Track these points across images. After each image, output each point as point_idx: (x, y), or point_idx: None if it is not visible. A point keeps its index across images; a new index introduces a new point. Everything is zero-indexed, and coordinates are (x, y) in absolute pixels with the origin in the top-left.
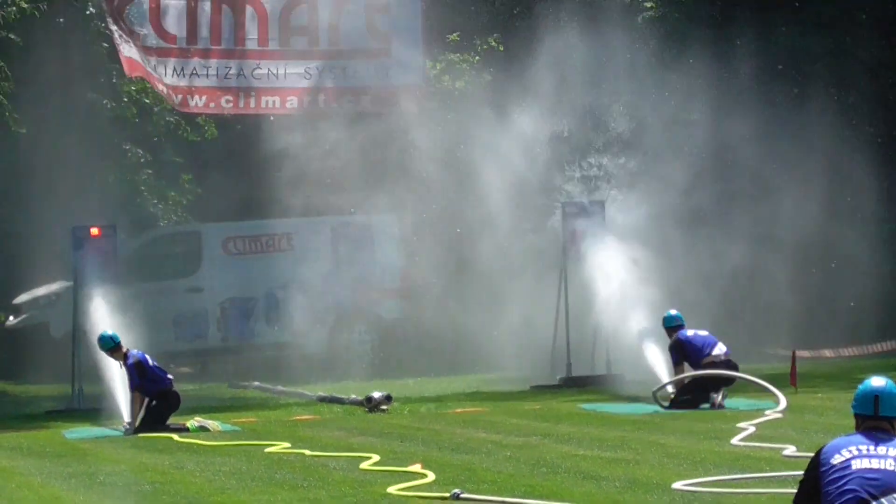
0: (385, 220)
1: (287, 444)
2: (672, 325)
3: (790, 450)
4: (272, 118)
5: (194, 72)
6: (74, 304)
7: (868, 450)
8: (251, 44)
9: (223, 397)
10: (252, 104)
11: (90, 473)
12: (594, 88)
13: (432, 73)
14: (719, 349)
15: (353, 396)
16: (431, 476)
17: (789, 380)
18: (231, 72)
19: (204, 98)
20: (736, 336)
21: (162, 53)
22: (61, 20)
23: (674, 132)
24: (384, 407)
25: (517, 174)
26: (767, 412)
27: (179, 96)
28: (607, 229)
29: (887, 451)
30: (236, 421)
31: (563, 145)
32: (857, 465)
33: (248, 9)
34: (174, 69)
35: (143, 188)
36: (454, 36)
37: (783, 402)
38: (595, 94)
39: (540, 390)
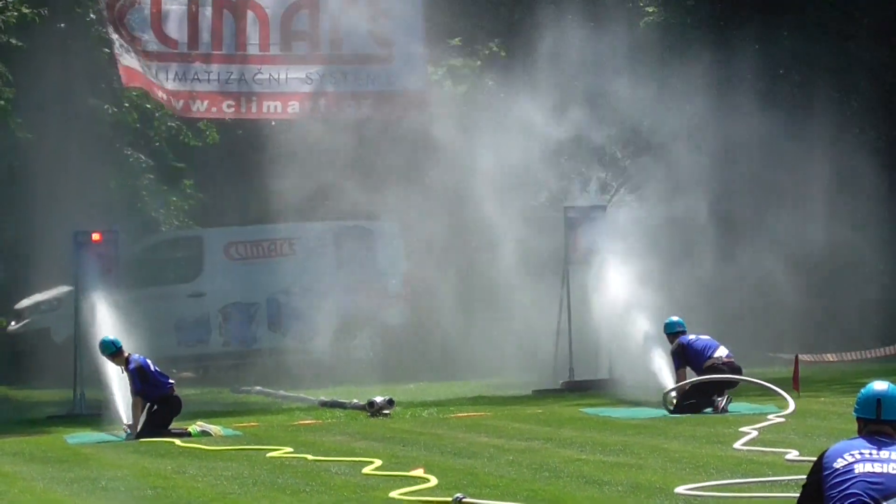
0: (387, 225)
1: (289, 449)
2: (673, 332)
3: (793, 454)
4: (273, 123)
5: (196, 77)
6: (76, 309)
7: (871, 454)
8: (252, 49)
9: (225, 402)
10: (254, 109)
11: (92, 478)
12: (595, 93)
13: (434, 78)
14: (721, 352)
15: (356, 401)
16: (434, 481)
17: (792, 384)
18: (233, 77)
19: (206, 103)
20: (739, 340)
21: (163, 58)
22: (62, 25)
23: (676, 137)
24: (386, 411)
25: (520, 178)
26: (771, 416)
27: (181, 101)
28: (609, 233)
29: (890, 454)
30: (238, 426)
31: (566, 149)
32: (859, 468)
33: (250, 14)
34: (176, 74)
35: (144, 193)
36: (456, 41)
37: (792, 405)
38: (596, 99)
39: (542, 395)
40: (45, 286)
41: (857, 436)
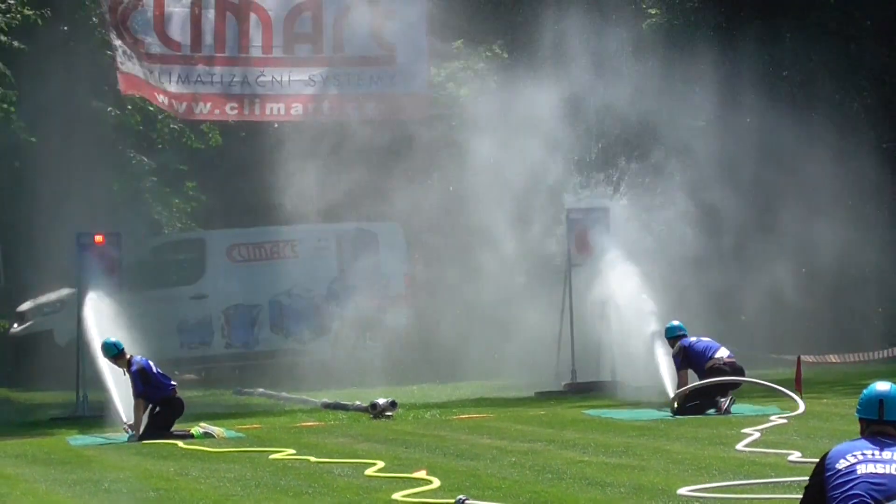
0: (390, 226)
1: (292, 451)
2: (674, 335)
3: (795, 455)
4: (276, 125)
5: (199, 79)
6: (78, 311)
7: (873, 454)
8: (255, 51)
9: (228, 404)
10: (257, 111)
11: (95, 480)
12: (598, 94)
13: (436, 80)
14: (722, 353)
15: (358, 403)
16: (436, 482)
17: (794, 385)
18: (235, 79)
19: (209, 105)
20: (741, 341)
21: (166, 61)
22: (65, 28)
23: (679, 139)
24: (389, 413)
25: (522, 180)
26: (773, 417)
27: (184, 104)
28: (612, 235)
29: (892, 455)
30: (241, 427)
31: (568, 150)
32: (862, 469)
33: (253, 16)
34: (179, 76)
35: (147, 195)
36: (458, 43)
37: (802, 406)
38: (598, 100)
39: (545, 396)
40: (48, 288)
41: (859, 437)
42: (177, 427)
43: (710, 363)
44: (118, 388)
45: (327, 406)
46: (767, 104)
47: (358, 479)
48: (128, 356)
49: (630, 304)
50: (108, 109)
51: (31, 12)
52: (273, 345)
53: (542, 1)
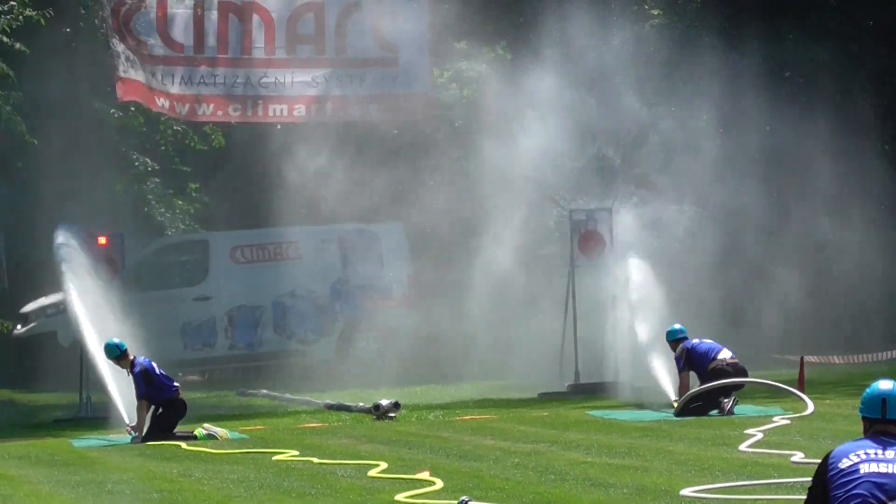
0: (392, 228)
1: (295, 452)
2: (675, 339)
3: (798, 456)
4: (279, 126)
5: (202, 80)
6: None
7: (876, 454)
8: (258, 52)
9: (231, 405)
10: (259, 113)
11: (98, 482)
12: (601, 95)
13: (439, 81)
14: (725, 354)
15: (361, 404)
16: (440, 483)
17: (798, 386)
18: (238, 80)
19: (211, 106)
20: (744, 342)
21: (169, 62)
22: (68, 30)
23: (681, 139)
24: (392, 414)
25: (525, 181)
26: (776, 418)
27: (187, 105)
28: (615, 235)
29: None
30: (244, 429)
31: (570, 151)
32: (865, 469)
33: (255, 17)
34: (181, 78)
35: (150, 197)
36: (461, 44)
37: (811, 407)
38: (601, 101)
39: (548, 397)
40: (52, 290)
41: (863, 436)
42: (180, 428)
43: (713, 364)
44: (120, 389)
45: (330, 407)
46: (769, 105)
47: (361, 480)
48: (131, 357)
49: (633, 305)
50: (111, 111)
51: (32, 13)
52: (276, 346)
53: (545, 2)
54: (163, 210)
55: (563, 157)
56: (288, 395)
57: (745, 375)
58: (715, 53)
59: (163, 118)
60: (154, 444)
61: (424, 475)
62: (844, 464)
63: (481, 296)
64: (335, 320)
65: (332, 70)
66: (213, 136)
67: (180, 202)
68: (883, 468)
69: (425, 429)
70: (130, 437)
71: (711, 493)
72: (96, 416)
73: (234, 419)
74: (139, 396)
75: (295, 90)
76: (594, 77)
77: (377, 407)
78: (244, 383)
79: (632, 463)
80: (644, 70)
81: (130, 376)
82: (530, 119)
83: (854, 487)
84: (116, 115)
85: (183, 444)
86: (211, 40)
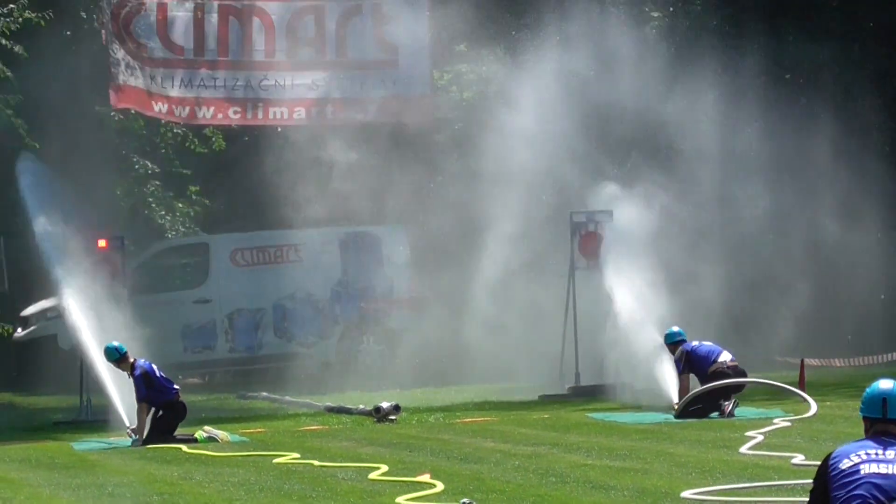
0: (393, 230)
1: (296, 455)
2: (674, 342)
3: (799, 458)
4: (279, 129)
5: (202, 83)
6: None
7: (877, 454)
8: (258, 55)
9: (232, 408)
10: (260, 115)
11: (98, 485)
12: (602, 96)
13: (440, 83)
14: (725, 356)
15: (362, 407)
16: (440, 486)
17: (798, 388)
18: (238, 83)
19: (212, 109)
20: (745, 344)
21: (169, 65)
22: (68, 32)
23: (682, 141)
24: (393, 417)
25: (526, 182)
26: (777, 420)
27: (187, 108)
28: (615, 238)
29: None
30: (245, 431)
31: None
32: (865, 469)
33: (255, 20)
34: (181, 81)
35: (150, 200)
36: (462, 46)
37: (814, 408)
38: (602, 102)
39: (548, 400)
40: (52, 293)
41: (864, 437)
42: (180, 431)
43: (713, 367)
44: (120, 392)
45: (331, 410)
46: (771, 105)
47: (362, 482)
48: (131, 360)
49: (633, 307)
50: (112, 114)
51: (32, 15)
52: (277, 349)
53: (547, 3)
54: (163, 213)
55: (564, 158)
56: (288, 398)
57: (745, 377)
58: (715, 54)
59: (163, 120)
60: (154, 447)
61: (425, 478)
62: (845, 464)
63: (481, 298)
64: (335, 323)
65: (333, 73)
66: (213, 139)
67: (180, 205)
68: (883, 468)
69: (426, 431)
70: (131, 439)
71: (712, 496)
72: (96, 418)
73: (234, 422)
74: (139, 399)
75: (295, 93)
76: (594, 77)
77: (378, 409)
78: (244, 386)
79: (632, 465)
80: (645, 72)
81: (131, 379)
82: (530, 120)
83: (855, 488)
84: (117, 118)
85: (184, 447)
86: (211, 43)
